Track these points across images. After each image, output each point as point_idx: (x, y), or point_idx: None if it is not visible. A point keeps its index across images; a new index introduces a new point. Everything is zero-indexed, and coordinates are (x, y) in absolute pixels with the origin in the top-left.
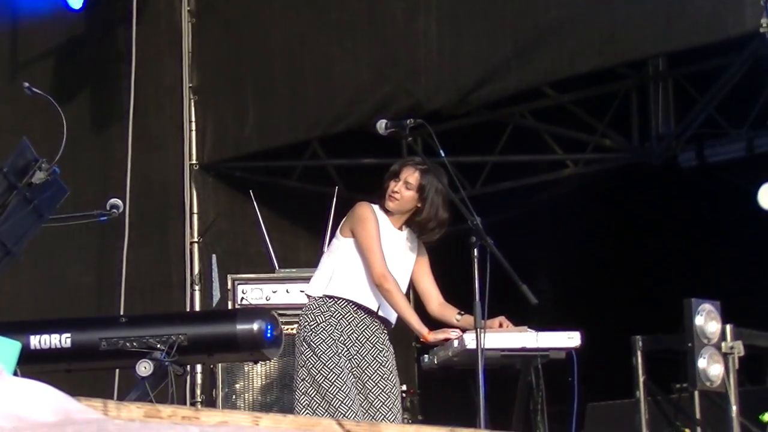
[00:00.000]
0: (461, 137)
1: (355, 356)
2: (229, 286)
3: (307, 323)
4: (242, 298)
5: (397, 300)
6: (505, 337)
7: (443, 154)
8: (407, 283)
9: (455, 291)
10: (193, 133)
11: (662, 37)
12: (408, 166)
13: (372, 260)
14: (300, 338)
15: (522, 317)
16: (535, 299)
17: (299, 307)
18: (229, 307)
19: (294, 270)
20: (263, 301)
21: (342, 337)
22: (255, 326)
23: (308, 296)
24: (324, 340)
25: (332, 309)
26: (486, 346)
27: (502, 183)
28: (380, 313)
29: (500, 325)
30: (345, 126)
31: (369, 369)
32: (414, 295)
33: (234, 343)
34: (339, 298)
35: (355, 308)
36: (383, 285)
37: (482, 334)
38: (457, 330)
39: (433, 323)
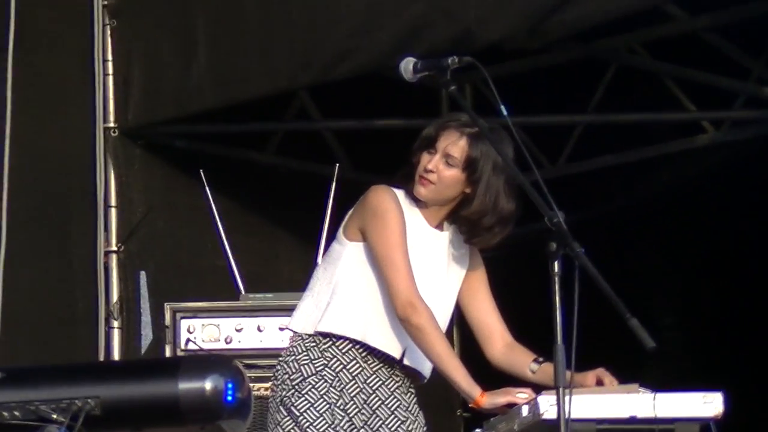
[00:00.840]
0: (535, 87)
1: (362, 430)
2: (168, 320)
3: (288, 377)
4: (188, 340)
5: (432, 342)
6: (606, 402)
7: (506, 112)
8: (449, 315)
9: (513, 327)
10: (110, 80)
11: None
12: (450, 130)
13: (394, 279)
14: (277, 401)
15: (628, 368)
16: (651, 341)
17: (278, 353)
18: (168, 353)
19: (270, 295)
20: (221, 345)
21: (342, 400)
22: (207, 385)
23: (292, 335)
24: (313, 405)
25: (328, 355)
26: (574, 416)
27: (596, 158)
28: (406, 362)
29: (598, 382)
30: (349, 69)
31: None
32: (461, 331)
33: (174, 412)
34: (339, 338)
35: (365, 354)
36: (411, 319)
37: (568, 397)
38: (529, 389)
39: (492, 377)
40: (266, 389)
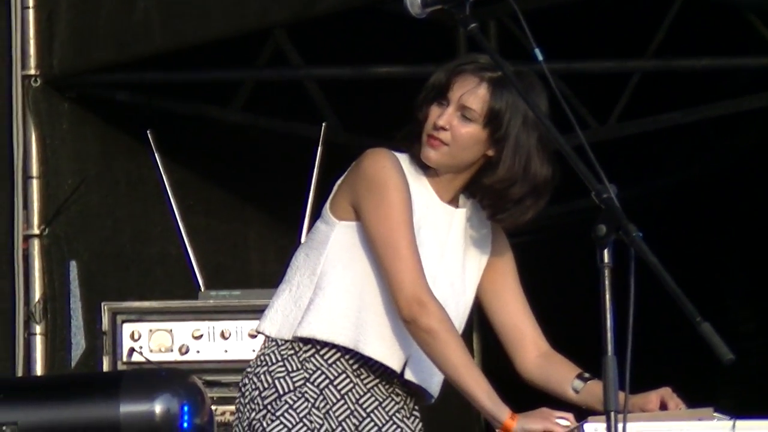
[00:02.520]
0: (579, 24)
1: None
2: (106, 324)
3: (258, 394)
4: (132, 350)
5: (446, 349)
6: (671, 430)
7: (541, 57)
8: (467, 316)
9: (549, 332)
10: (30, 14)
11: None
12: (466, 75)
13: (397, 269)
14: (244, 426)
15: (700, 388)
16: (729, 352)
17: (245, 365)
18: (106, 367)
19: (236, 293)
20: (174, 356)
21: (328, 425)
22: (157, 408)
23: (264, 340)
24: (290, 431)
25: (310, 366)
26: None
27: (658, 117)
28: (407, 377)
29: (661, 406)
30: (337, 2)
31: None
32: (482, 336)
33: None
34: (324, 345)
35: (357, 366)
36: (419, 320)
37: (622, 423)
38: (570, 415)
39: (524, 396)
40: (232, 413)
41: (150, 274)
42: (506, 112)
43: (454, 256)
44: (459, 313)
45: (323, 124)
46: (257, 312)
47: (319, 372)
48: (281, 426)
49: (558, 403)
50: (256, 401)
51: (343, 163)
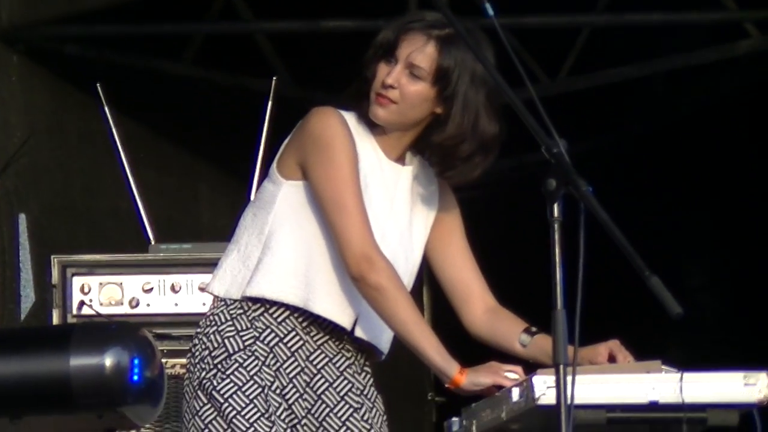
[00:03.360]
0: None
1: (304, 420)
2: (55, 278)
3: (208, 354)
4: (82, 304)
5: (395, 305)
6: (619, 383)
7: (490, 10)
8: (415, 273)
9: (496, 288)
10: None
11: None
12: (414, 33)
13: (345, 227)
14: (194, 385)
15: (649, 341)
16: (677, 306)
17: (198, 319)
18: (55, 320)
19: (187, 246)
20: (125, 310)
21: (279, 382)
22: (107, 361)
23: (213, 300)
24: (241, 388)
25: (259, 325)
26: (578, 401)
27: (607, 71)
28: (357, 334)
29: (610, 358)
30: None
31: None
32: (432, 292)
33: (64, 396)
34: (274, 304)
35: (307, 324)
36: (367, 277)
37: (571, 376)
38: (520, 367)
39: (474, 352)
40: (183, 366)
41: (100, 227)
42: (455, 69)
43: (401, 214)
44: (408, 269)
45: (273, 78)
46: (208, 265)
47: (268, 330)
48: (231, 384)
49: (506, 357)
50: (206, 361)
51: (293, 117)
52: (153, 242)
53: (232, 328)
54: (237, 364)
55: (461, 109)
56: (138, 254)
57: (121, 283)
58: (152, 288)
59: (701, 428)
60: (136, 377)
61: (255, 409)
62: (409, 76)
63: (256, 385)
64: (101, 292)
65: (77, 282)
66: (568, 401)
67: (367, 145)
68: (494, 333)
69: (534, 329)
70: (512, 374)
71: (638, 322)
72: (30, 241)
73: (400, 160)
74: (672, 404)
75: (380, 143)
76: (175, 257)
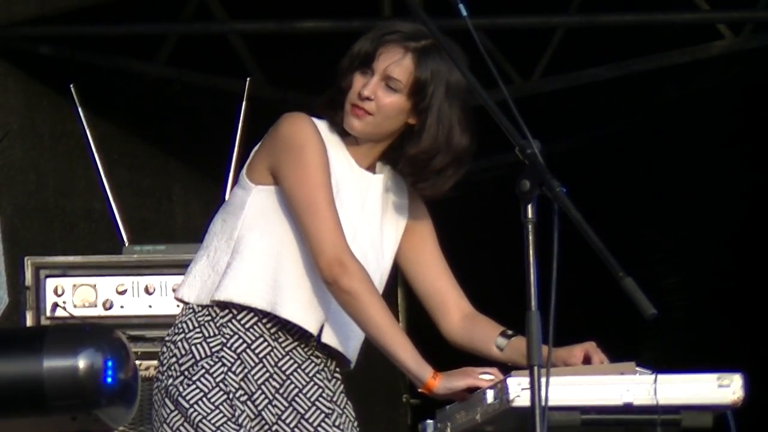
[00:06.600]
0: None
1: (275, 426)
2: (29, 279)
3: (175, 361)
4: (55, 305)
5: (368, 310)
6: (593, 384)
7: (464, 11)
8: (385, 279)
9: (472, 293)
10: None
11: None
12: (391, 45)
13: (317, 230)
14: (162, 393)
15: (623, 342)
16: (651, 307)
17: (172, 321)
18: (29, 322)
19: (161, 248)
20: (98, 311)
21: (247, 389)
22: (80, 363)
23: (182, 307)
24: (206, 395)
25: (227, 331)
26: (553, 402)
27: (581, 72)
28: (324, 340)
29: (584, 360)
30: None
31: None
32: (408, 298)
33: (37, 397)
34: (242, 310)
35: (275, 329)
36: (340, 281)
37: (545, 378)
38: (495, 369)
39: (450, 357)
40: (156, 368)
41: (74, 228)
42: (431, 82)
43: (372, 219)
44: (378, 276)
45: (248, 78)
46: (181, 267)
47: (236, 337)
48: (197, 390)
49: (484, 363)
50: (173, 368)
51: (267, 117)
52: (127, 244)
53: (200, 334)
54: (203, 371)
55: (436, 121)
56: (112, 256)
57: (95, 285)
58: (126, 290)
59: (675, 430)
60: (109, 379)
61: (221, 414)
62: (385, 88)
63: (221, 392)
64: (75, 294)
65: (51, 284)
66: (543, 403)
67: (338, 153)
68: (472, 339)
69: (510, 332)
70: (487, 376)
71: (613, 324)
72: (3, 242)
73: (371, 168)
74: (646, 406)
75: (352, 152)
76: (149, 259)
